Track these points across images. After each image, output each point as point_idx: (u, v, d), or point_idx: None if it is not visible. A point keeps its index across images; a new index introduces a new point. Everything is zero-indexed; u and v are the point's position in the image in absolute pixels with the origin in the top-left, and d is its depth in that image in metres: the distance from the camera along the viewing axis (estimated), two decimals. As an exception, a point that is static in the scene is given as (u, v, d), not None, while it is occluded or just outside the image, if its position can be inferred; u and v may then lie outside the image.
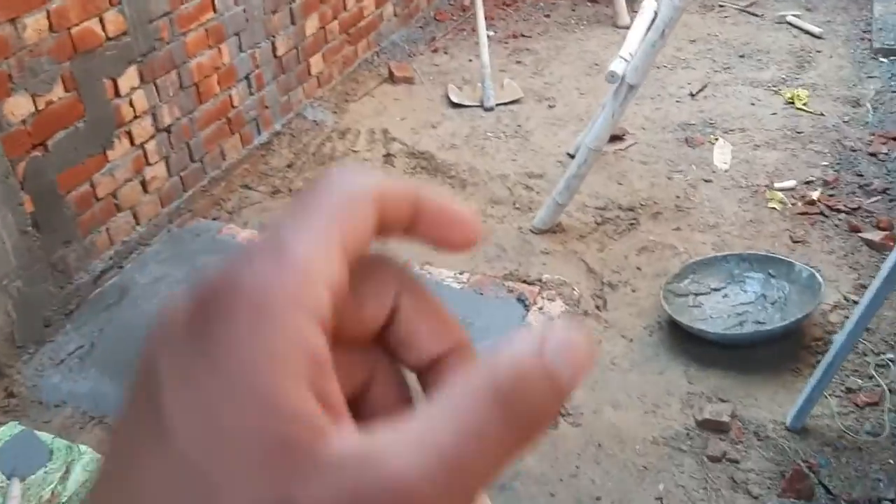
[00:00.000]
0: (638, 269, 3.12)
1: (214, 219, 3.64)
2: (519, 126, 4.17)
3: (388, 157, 3.98)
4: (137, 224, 3.33)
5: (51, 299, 2.81)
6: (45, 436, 2.47)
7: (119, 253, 3.23)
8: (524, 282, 3.09)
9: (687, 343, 2.71)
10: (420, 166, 3.89)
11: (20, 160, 2.73)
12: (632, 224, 3.35)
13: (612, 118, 3.03)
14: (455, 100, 4.40)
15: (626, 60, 2.95)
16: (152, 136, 3.32)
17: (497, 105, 4.35)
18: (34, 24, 2.68)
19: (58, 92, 2.83)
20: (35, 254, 2.72)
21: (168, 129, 3.40)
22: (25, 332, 2.73)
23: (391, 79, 4.66)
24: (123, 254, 3.26)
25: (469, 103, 4.38)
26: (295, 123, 4.22)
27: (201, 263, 3.29)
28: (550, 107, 4.35)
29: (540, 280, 3.08)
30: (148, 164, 3.32)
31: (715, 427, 2.38)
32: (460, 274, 3.14)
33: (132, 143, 3.22)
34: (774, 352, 2.63)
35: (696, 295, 2.86)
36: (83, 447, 2.41)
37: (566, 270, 3.15)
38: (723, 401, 2.49)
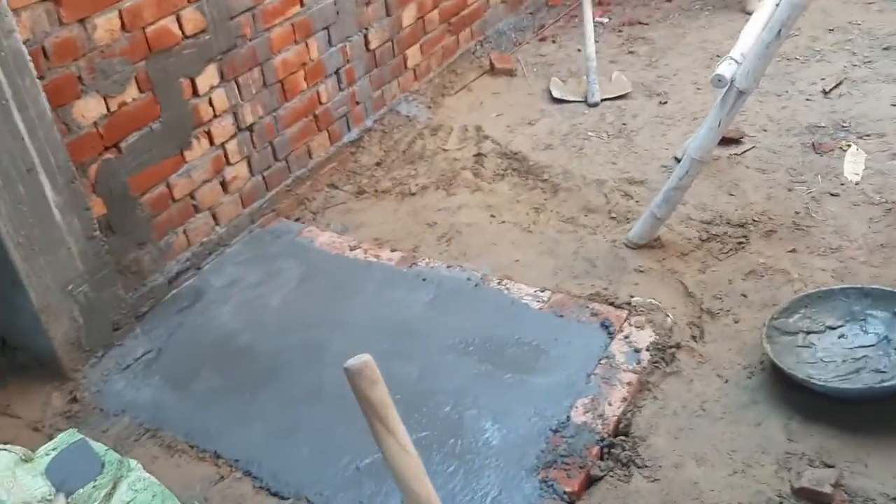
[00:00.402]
0: (743, 296, 2.76)
1: (297, 219, 3.55)
2: (624, 125, 3.83)
3: (478, 156, 3.75)
4: (217, 224, 3.28)
5: (120, 303, 2.79)
6: (99, 447, 2.44)
7: (197, 254, 3.19)
8: (611, 304, 2.81)
9: (792, 390, 2.35)
10: (511, 168, 3.65)
11: (91, 163, 2.71)
12: (740, 243, 2.98)
13: (717, 127, 2.68)
14: (557, 94, 4.10)
15: (736, 62, 2.59)
16: (233, 136, 3.24)
17: (602, 100, 4.03)
18: (105, 24, 2.63)
19: (131, 93, 2.78)
20: (103, 258, 2.70)
21: (250, 128, 3.32)
22: (93, 336, 2.72)
23: (492, 71, 4.41)
24: (202, 255, 3.21)
25: (572, 98, 4.08)
26: (387, 119, 4.06)
27: (276, 268, 3.20)
28: (662, 103, 3.98)
29: (629, 303, 2.78)
30: (228, 163, 3.26)
31: (814, 498, 2.04)
32: (541, 291, 2.89)
33: (211, 143, 3.16)
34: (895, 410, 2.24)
35: (808, 333, 2.48)
36: (133, 463, 2.36)
37: (661, 292, 2.84)
38: (827, 465, 2.13)
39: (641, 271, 2.95)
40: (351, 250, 3.25)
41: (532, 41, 4.74)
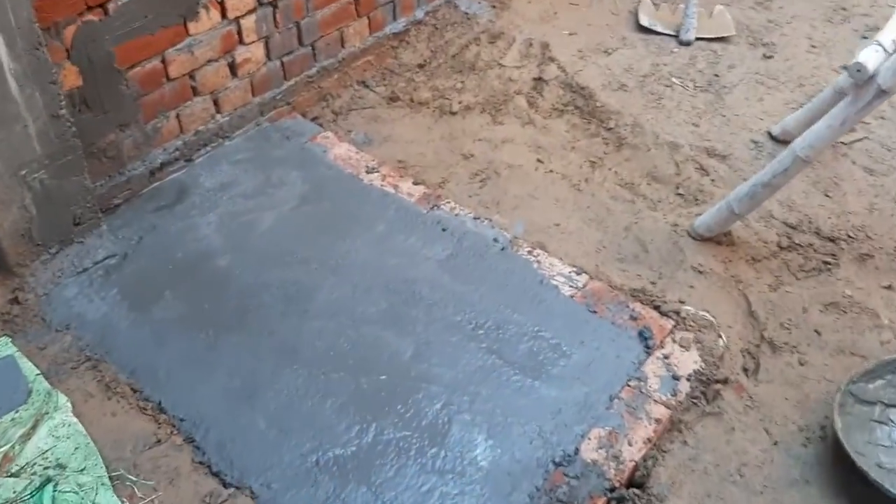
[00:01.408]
0: (817, 332, 2.29)
1: (315, 118, 3.05)
2: (716, 76, 3.22)
3: (538, 81, 3.18)
4: (218, 112, 2.79)
5: (84, 194, 2.36)
6: (30, 369, 2.09)
7: (189, 144, 2.73)
8: (656, 307, 2.34)
9: (855, 475, 1.92)
10: (573, 104, 3.08)
11: (68, 24, 2.21)
12: (827, 263, 2.47)
13: (839, 126, 2.12)
14: (644, 22, 3.46)
15: (884, 51, 1.99)
16: (252, 10, 2.70)
17: (696, 39, 3.39)
18: None
19: (128, -58, 2.24)
20: (68, 141, 2.24)
21: (274, 4, 2.77)
22: (47, 229, 2.31)
23: (575, -24, 3.76)
24: (194, 145, 2.75)
25: (662, 30, 3.44)
26: (442, 13, 3.46)
27: (276, 177, 2.73)
28: (766, 56, 3.34)
29: (677, 312, 2.31)
30: (241, 42, 2.73)
31: None
32: (577, 273, 2.42)
33: (223, 15, 2.62)
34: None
35: (888, 406, 2.02)
36: (62, 400, 2.01)
37: (718, 304, 2.36)
38: None
39: (700, 271, 2.46)
40: (367, 172, 2.77)
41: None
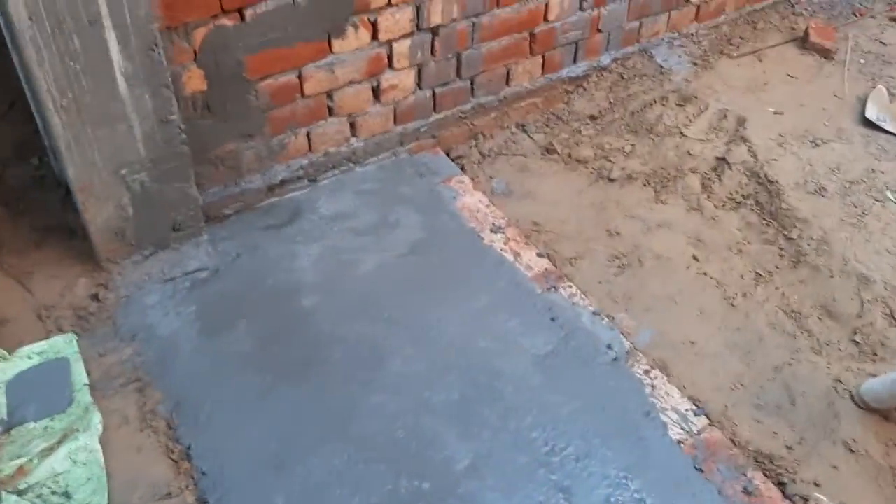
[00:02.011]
0: None
1: (458, 157, 2.79)
2: (949, 198, 2.60)
3: (720, 162, 2.72)
4: (354, 136, 2.61)
5: (188, 202, 2.26)
6: (80, 375, 2.01)
7: (316, 164, 2.57)
8: (781, 484, 1.87)
9: None
10: (755, 199, 2.60)
11: (199, 26, 2.09)
12: None
13: None
14: (871, 114, 2.87)
15: None
16: (408, 35, 2.48)
17: (937, 145, 2.76)
18: None
19: (276, -50, 2.09)
20: (176, 148, 2.14)
21: (435, 31, 2.53)
22: (143, 231, 2.24)
23: (803, 42, 3.20)
24: (322, 166, 2.59)
25: (891, 129, 2.84)
26: (633, 62, 3.07)
27: (394, 217, 2.51)
28: None
29: (805, 500, 1.83)
30: (391, 67, 2.52)
31: None
32: (696, 412, 2.00)
33: (375, 37, 2.42)
34: None
35: None
36: (95, 420, 1.91)
37: (862, 501, 1.85)
38: None
39: (852, 450, 1.95)
40: (491, 231, 2.48)
41: (881, 17, 3.39)
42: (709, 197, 2.64)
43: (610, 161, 2.78)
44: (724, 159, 2.73)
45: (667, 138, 2.83)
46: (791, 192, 2.58)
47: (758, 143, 2.76)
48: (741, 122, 2.85)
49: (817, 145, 2.76)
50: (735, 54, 3.13)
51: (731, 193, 2.63)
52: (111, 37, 1.88)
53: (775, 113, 2.89)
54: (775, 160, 2.69)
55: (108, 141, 2.03)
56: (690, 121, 2.88)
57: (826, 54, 3.14)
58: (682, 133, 2.84)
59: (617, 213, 2.62)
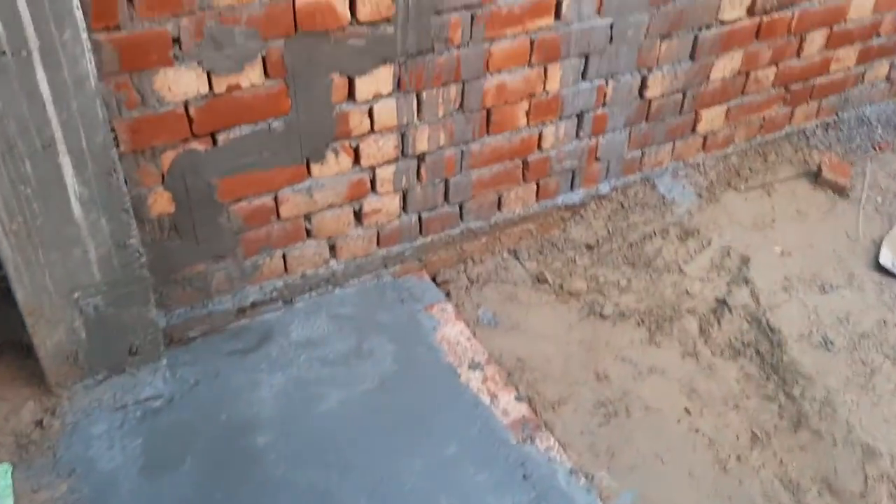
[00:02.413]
0: None
1: (444, 283, 2.67)
2: (968, 358, 2.40)
3: (720, 304, 2.56)
4: (333, 258, 2.51)
5: (145, 325, 2.15)
6: (6, 514, 1.88)
7: (291, 286, 2.46)
8: None
9: None
10: (755, 348, 2.42)
11: (167, 149, 2.03)
12: None
13: None
14: (886, 261, 2.70)
15: None
16: (392, 161, 2.40)
17: (956, 297, 2.58)
18: (234, -18, 1.87)
19: (252, 76, 2.03)
20: (135, 272, 2.05)
21: (421, 157, 2.45)
22: (96, 355, 2.13)
23: (816, 177, 3.06)
24: (298, 288, 2.48)
25: (908, 276, 2.67)
26: (634, 191, 2.96)
27: (368, 347, 2.37)
28: None
29: None
30: (374, 192, 2.44)
31: None
32: None
33: (357, 161, 2.34)
34: None
35: None
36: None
37: None
38: None
39: None
40: (470, 368, 2.32)
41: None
42: (706, 342, 2.46)
43: (603, 295, 2.64)
44: (724, 302, 2.56)
45: (665, 274, 2.68)
46: (794, 344, 2.40)
47: (761, 286, 2.60)
48: (745, 261, 2.70)
49: (825, 292, 2.59)
50: (743, 187, 3.00)
51: (730, 340, 2.46)
52: (66, 161, 1.82)
53: (782, 253, 2.74)
54: (779, 306, 2.52)
55: (61, 265, 1.95)
56: (691, 257, 2.74)
57: (840, 191, 3.00)
58: (681, 269, 2.69)
59: (607, 353, 2.46)
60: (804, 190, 3.01)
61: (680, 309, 2.56)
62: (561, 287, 2.67)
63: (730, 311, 2.53)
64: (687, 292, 2.61)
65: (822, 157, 3.11)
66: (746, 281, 2.62)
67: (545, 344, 2.49)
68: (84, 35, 1.69)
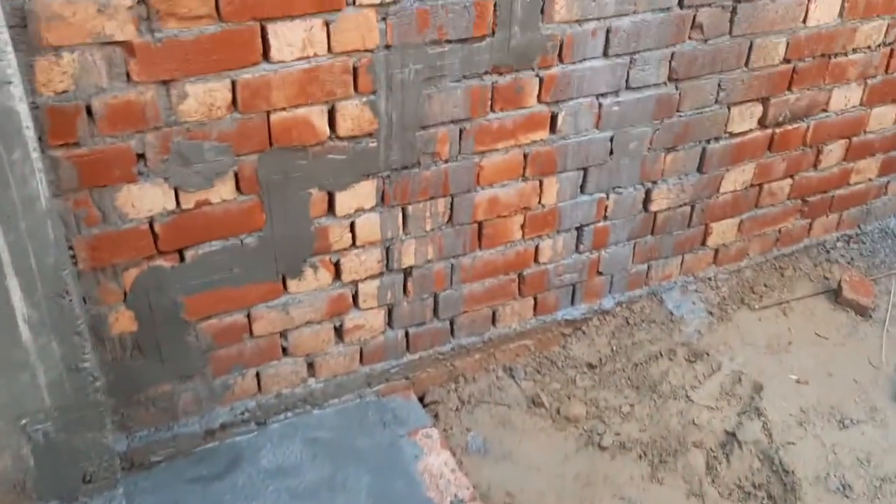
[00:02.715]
0: None
1: (432, 403, 2.50)
2: None
3: (729, 438, 2.35)
4: (312, 376, 2.36)
5: (100, 452, 2.00)
6: None
7: (265, 407, 2.31)
8: None
9: None
10: (767, 491, 2.20)
11: (130, 266, 1.91)
12: None
13: None
14: (913, 392, 2.49)
15: None
16: (376, 276, 2.27)
17: None
18: (204, 96, 1.78)
19: (223, 191, 1.93)
20: (88, 397, 1.91)
21: (407, 272, 2.32)
22: (46, 484, 1.97)
23: (836, 295, 2.87)
24: (273, 409, 2.32)
25: (938, 409, 2.45)
26: (640, 306, 2.79)
27: (342, 478, 2.19)
28: None
29: None
30: (356, 307, 2.30)
31: None
32: None
33: (338, 276, 2.22)
34: None
35: None
36: None
37: None
38: None
39: None
40: (451, 506, 2.14)
41: (928, 268, 3.07)
42: (713, 481, 2.25)
43: (604, 422, 2.44)
44: (734, 435, 2.36)
45: (671, 401, 2.49)
46: (809, 488, 2.18)
47: (774, 419, 2.39)
48: (757, 388, 2.50)
49: (845, 426, 2.37)
50: (757, 305, 2.82)
51: (739, 480, 2.24)
52: (13, 284, 1.70)
53: (798, 381, 2.53)
54: (793, 443, 2.31)
55: (6, 390, 1.81)
56: (699, 382, 2.54)
57: (862, 311, 2.80)
58: (688, 396, 2.49)
59: (605, 491, 2.25)
60: (823, 309, 2.82)
61: (686, 442, 2.36)
62: (558, 412, 2.48)
63: (740, 446, 2.32)
64: (694, 422, 2.41)
65: (842, 274, 2.92)
66: (759, 412, 2.41)
67: (537, 477, 2.30)
68: (35, 154, 1.60)
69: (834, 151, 2.88)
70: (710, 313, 2.79)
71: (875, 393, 2.50)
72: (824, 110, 2.75)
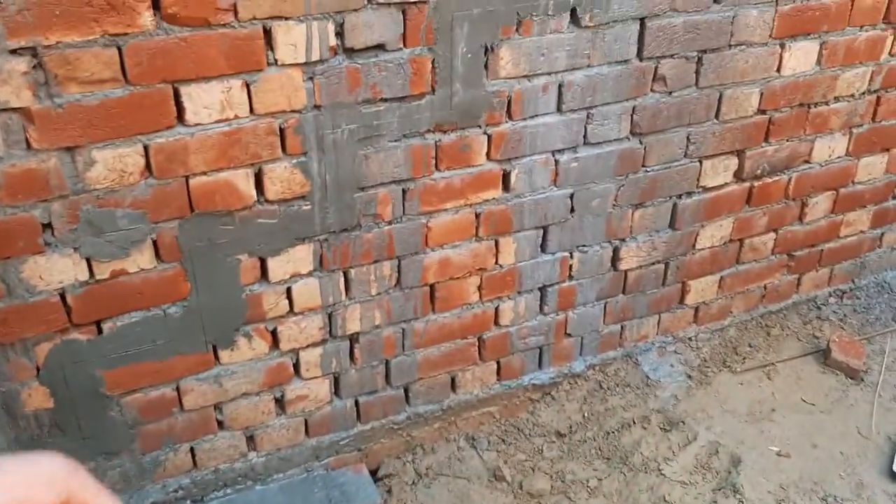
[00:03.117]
0: None
1: (386, 477, 2.35)
2: None
3: (702, 520, 2.17)
4: (254, 450, 2.22)
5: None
6: None
7: (201, 483, 2.17)
8: None
9: None
10: (739, 583, 2.02)
11: (42, 341, 1.80)
12: None
13: None
14: (904, 468, 2.30)
15: None
16: (317, 343, 2.13)
17: None
18: (113, 162, 1.67)
19: (141, 260, 1.81)
20: None
21: (353, 338, 2.18)
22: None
23: (824, 357, 2.69)
24: (210, 485, 2.18)
25: (931, 488, 2.25)
26: (614, 369, 2.63)
27: (279, 565, 2.04)
28: None
29: None
30: (298, 376, 2.17)
31: None
32: None
33: (275, 345, 2.08)
34: None
35: None
36: None
37: None
38: None
39: None
40: None
41: (926, 328, 2.87)
42: (682, 569, 2.07)
43: (569, 498, 2.27)
44: (706, 515, 2.18)
45: (641, 475, 2.31)
46: (786, 581, 1.99)
47: (751, 497, 2.20)
48: (735, 462, 2.32)
49: (828, 506, 2.19)
50: (739, 368, 2.64)
51: (709, 568, 2.06)
52: None
53: (779, 454, 2.35)
54: (771, 525, 2.13)
55: None
56: (674, 453, 2.37)
57: (853, 374, 2.61)
58: (660, 470, 2.32)
59: (564, 577, 2.08)
60: (811, 372, 2.64)
61: (654, 522, 2.18)
62: (521, 486, 2.31)
63: (712, 528, 2.14)
64: (665, 500, 2.23)
65: (832, 334, 2.74)
66: (735, 489, 2.22)
67: (492, 560, 2.13)
68: (-82, 229, 1.50)
69: (820, 204, 2.72)
70: (689, 376, 2.62)
71: (863, 467, 2.30)
72: (807, 161, 2.59)
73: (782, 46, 2.31)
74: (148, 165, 1.72)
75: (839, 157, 2.65)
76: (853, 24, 2.40)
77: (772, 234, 2.69)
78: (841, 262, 2.93)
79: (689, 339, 2.73)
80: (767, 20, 2.24)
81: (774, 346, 2.73)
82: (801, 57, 2.36)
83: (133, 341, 1.90)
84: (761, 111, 2.40)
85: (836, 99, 2.52)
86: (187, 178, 1.77)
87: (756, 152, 2.47)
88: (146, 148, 1.70)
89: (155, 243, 1.81)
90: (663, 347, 2.69)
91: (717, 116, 2.33)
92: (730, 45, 2.22)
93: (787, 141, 2.51)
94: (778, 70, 2.35)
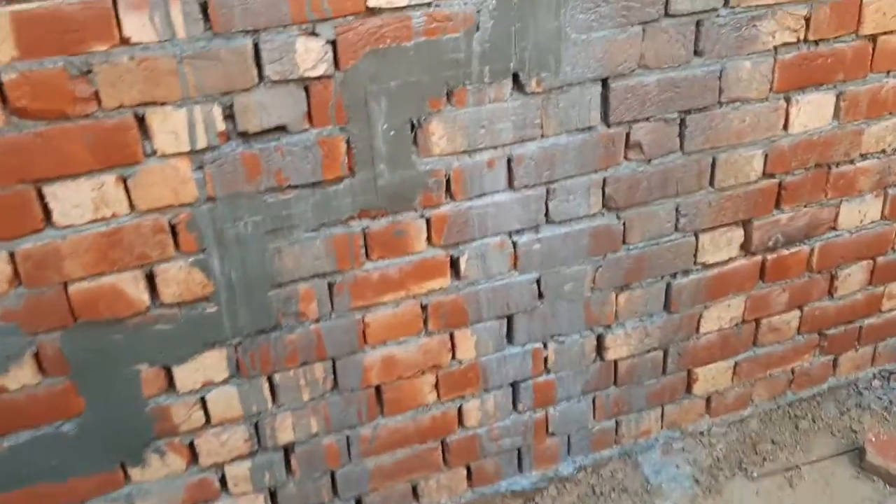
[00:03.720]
0: None
1: None
2: None
3: None
4: (182, 571, 1.98)
5: None
6: None
7: None
8: None
9: None
10: None
11: (-87, 467, 1.62)
12: None
13: None
14: None
15: None
16: (245, 456, 1.89)
17: None
18: (-29, 273, 1.49)
19: (21, 376, 1.60)
20: None
21: (288, 449, 1.93)
22: None
23: (859, 456, 2.28)
24: None
25: None
26: (610, 470, 2.28)
27: None
28: None
29: None
30: (226, 492, 1.92)
31: None
32: None
33: (194, 460, 1.85)
34: None
35: None
36: None
37: None
38: None
39: None
40: None
41: None
42: None
43: None
44: None
45: None
46: None
47: None
48: None
49: None
50: (757, 473, 2.26)
51: None
52: None
53: (797, 587, 1.96)
54: None
55: None
56: (671, 580, 2.01)
57: (892, 481, 2.20)
58: None
59: None
60: (843, 478, 2.23)
61: None
62: None
63: None
64: None
65: (868, 431, 2.33)
66: None
67: None
68: None
69: (854, 275, 2.33)
70: (697, 481, 2.25)
71: None
72: (833, 228, 2.22)
73: (787, 101, 1.97)
74: (16, 273, 1.52)
75: (873, 223, 2.26)
76: (877, 70, 2.03)
77: (796, 312, 2.31)
78: (885, 340, 2.52)
79: (701, 433, 2.36)
80: (765, 72, 1.90)
81: (802, 443, 2.34)
82: (812, 111, 2.01)
83: (23, 464, 1.69)
84: (768, 175, 2.05)
85: (863, 156, 2.14)
86: (65, 284, 1.56)
87: (766, 222, 2.11)
88: (12, 255, 1.50)
89: (37, 356, 1.61)
90: (669, 444, 2.33)
91: (711, 184, 2.00)
92: (720, 103, 1.90)
93: (805, 207, 2.14)
94: (785, 128, 2.00)
